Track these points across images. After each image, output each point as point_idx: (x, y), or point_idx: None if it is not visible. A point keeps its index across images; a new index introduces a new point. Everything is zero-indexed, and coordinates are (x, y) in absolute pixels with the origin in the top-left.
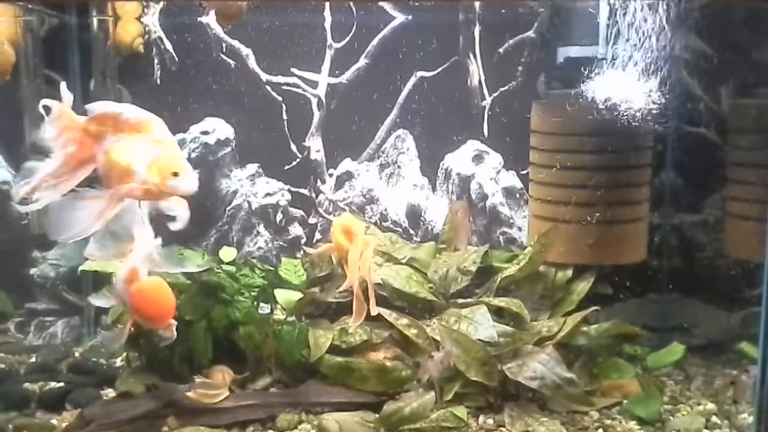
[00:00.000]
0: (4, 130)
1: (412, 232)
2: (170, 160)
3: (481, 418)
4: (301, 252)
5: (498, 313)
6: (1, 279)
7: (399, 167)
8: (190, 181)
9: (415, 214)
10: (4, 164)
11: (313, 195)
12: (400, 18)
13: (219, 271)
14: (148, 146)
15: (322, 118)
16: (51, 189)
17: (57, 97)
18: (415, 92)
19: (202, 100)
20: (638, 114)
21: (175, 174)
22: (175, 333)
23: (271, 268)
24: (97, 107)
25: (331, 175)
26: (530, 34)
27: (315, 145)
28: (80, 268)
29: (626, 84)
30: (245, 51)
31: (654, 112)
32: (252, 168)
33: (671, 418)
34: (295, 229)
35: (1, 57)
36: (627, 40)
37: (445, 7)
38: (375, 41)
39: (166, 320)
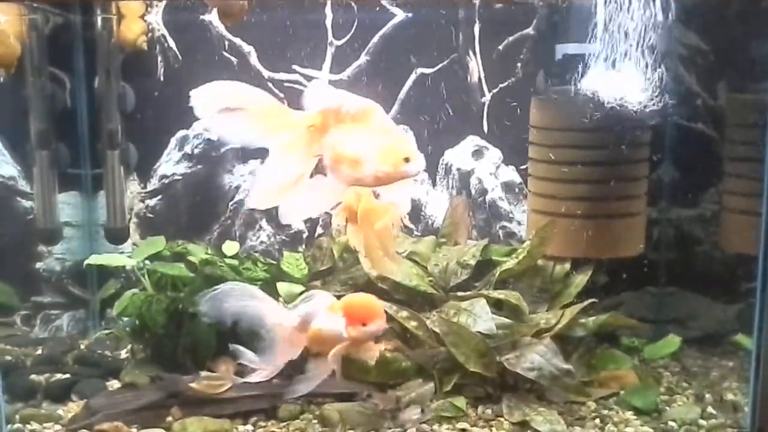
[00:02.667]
0: (9, 127)
1: (412, 226)
2: (399, 146)
3: (480, 408)
4: (303, 246)
5: (497, 306)
6: (7, 273)
7: None
8: (419, 162)
9: (415, 209)
10: (10, 160)
11: None
12: (400, 15)
13: (222, 264)
14: (374, 136)
15: None
16: (285, 192)
17: (62, 94)
18: (416, 89)
19: None
20: (636, 109)
21: (406, 159)
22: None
23: (273, 262)
24: (315, 94)
25: None
26: (529, 30)
27: None
28: (85, 262)
29: (624, 80)
30: (247, 48)
31: (651, 107)
32: (254, 164)
33: (667, 408)
34: (297, 224)
35: (6, 50)
36: (624, 36)
37: (445, 5)
38: (375, 38)
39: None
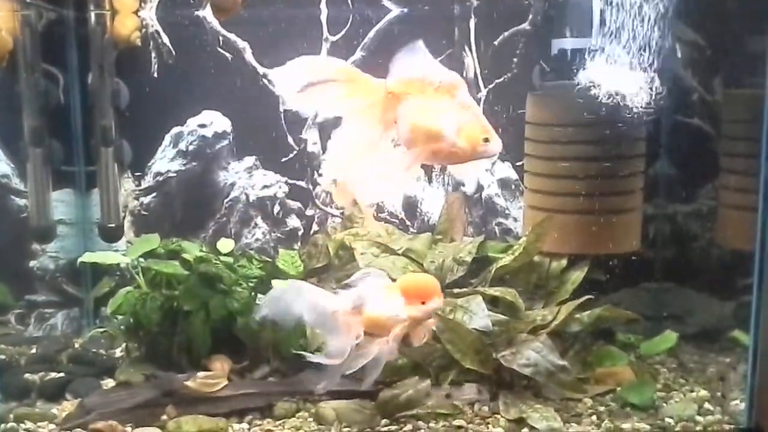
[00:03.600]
0: (2, 124)
1: (408, 223)
2: (480, 125)
3: (476, 405)
4: (299, 243)
5: (493, 303)
6: (1, 271)
7: None
8: (497, 144)
9: (411, 206)
10: (3, 158)
11: (311, 187)
12: (395, 11)
13: (217, 262)
14: (455, 111)
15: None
16: (357, 160)
17: (56, 91)
18: None
19: (200, 93)
20: (632, 105)
21: (486, 140)
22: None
23: (269, 260)
24: (401, 60)
25: None
26: (525, 26)
27: (312, 138)
28: (79, 260)
29: (620, 75)
30: (242, 44)
31: (648, 102)
32: (249, 160)
33: (664, 404)
34: (293, 221)
35: None
36: (621, 32)
37: (440, 0)
38: (371, 34)
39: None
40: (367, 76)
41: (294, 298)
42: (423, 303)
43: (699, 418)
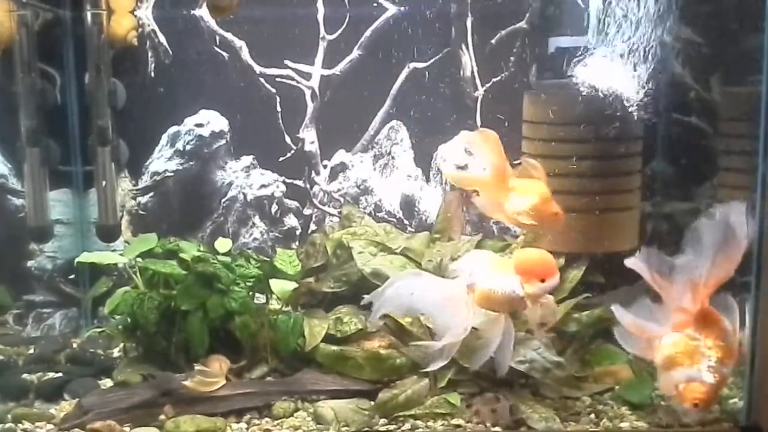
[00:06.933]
0: None
1: (406, 222)
2: None
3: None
4: (296, 243)
5: None
6: None
7: (393, 158)
8: None
9: (409, 205)
10: (0, 158)
11: (308, 186)
12: (392, 9)
13: (215, 261)
14: None
15: (316, 109)
16: None
17: (52, 91)
18: (408, 83)
19: (197, 93)
20: (629, 103)
21: None
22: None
23: (267, 259)
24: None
25: (325, 167)
26: (522, 24)
27: (309, 137)
28: (77, 260)
29: (617, 73)
30: (238, 43)
31: (645, 101)
32: (247, 160)
33: (662, 403)
34: (290, 221)
35: None
36: (617, 30)
37: None
38: (368, 33)
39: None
40: None
41: (410, 292)
42: (542, 281)
43: None
